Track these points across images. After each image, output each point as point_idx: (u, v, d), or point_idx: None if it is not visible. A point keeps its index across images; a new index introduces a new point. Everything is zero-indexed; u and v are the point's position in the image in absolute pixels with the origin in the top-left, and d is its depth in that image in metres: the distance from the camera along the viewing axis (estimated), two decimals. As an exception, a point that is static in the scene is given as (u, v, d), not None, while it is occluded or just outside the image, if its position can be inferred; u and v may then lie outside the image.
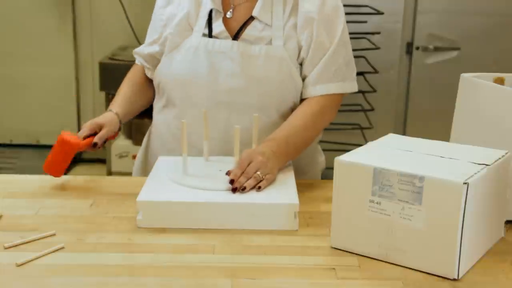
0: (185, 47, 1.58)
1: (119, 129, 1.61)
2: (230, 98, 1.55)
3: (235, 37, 1.57)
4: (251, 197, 1.32)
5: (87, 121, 1.56)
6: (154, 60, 1.68)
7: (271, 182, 1.39)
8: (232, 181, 1.35)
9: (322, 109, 1.57)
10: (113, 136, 1.59)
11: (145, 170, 1.73)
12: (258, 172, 1.37)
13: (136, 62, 1.74)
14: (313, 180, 1.69)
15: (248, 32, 1.57)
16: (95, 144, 1.51)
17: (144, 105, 1.73)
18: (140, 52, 1.71)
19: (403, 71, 3.37)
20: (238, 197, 1.32)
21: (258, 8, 1.56)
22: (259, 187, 1.35)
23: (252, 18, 1.58)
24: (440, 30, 3.31)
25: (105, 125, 1.55)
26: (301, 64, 1.59)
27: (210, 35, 1.58)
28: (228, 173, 1.38)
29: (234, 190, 1.34)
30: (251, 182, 1.35)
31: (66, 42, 4.01)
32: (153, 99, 1.73)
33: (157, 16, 1.66)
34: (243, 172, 1.37)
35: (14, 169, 3.81)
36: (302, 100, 1.60)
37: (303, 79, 1.59)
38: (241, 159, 1.41)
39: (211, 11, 1.59)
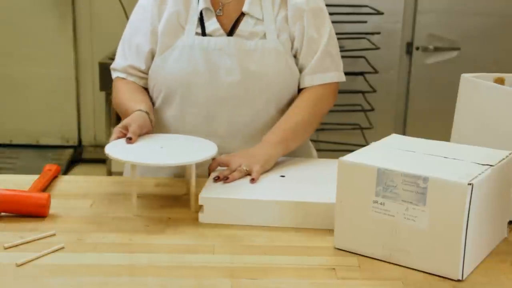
0: (179, 47, 1.58)
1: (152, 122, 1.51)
2: (230, 94, 1.56)
3: (230, 33, 1.58)
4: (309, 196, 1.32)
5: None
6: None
7: (263, 171, 1.43)
8: (217, 178, 1.39)
9: (321, 97, 1.61)
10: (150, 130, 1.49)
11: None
12: (243, 166, 1.41)
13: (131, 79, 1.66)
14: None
15: (242, 28, 1.58)
16: (129, 139, 1.40)
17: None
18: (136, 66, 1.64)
19: (403, 71, 3.36)
20: (294, 196, 1.31)
21: (248, 4, 1.58)
22: (253, 179, 1.39)
23: (243, 14, 1.59)
24: (440, 30, 3.31)
25: (131, 123, 1.44)
26: (295, 56, 1.61)
27: (203, 33, 1.58)
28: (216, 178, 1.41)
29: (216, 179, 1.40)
30: (236, 175, 1.39)
31: (66, 42, 4.00)
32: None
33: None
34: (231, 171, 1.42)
35: (14, 169, 3.79)
36: (300, 90, 1.63)
37: (300, 71, 1.61)
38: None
39: (201, 10, 1.59)
